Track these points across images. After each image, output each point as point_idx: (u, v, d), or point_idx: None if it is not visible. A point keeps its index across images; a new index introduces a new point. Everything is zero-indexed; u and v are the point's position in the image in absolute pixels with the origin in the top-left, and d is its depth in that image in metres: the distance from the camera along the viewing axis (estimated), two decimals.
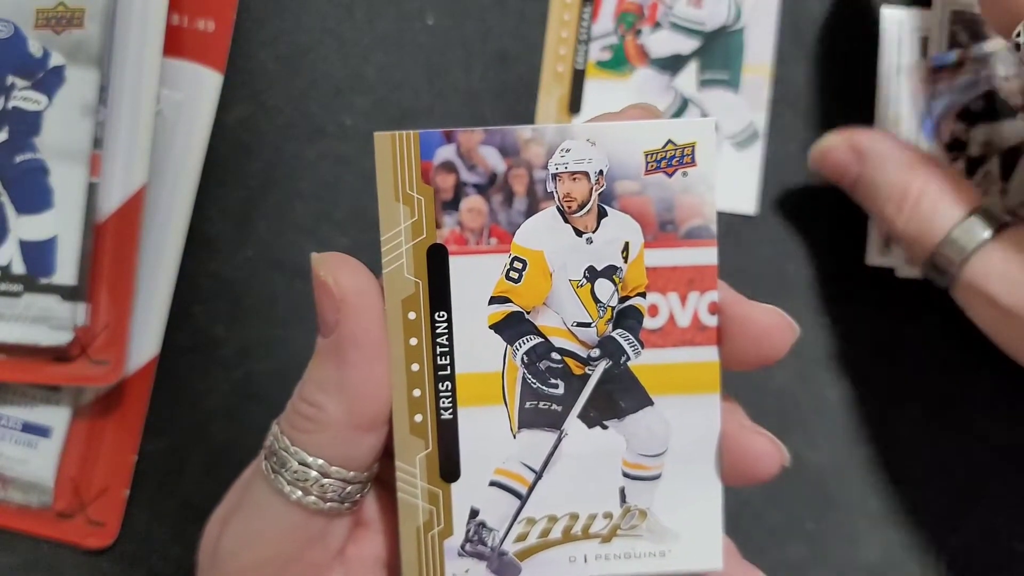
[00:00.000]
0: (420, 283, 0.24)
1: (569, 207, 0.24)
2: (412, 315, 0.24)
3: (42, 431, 0.36)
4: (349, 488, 0.24)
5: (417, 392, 0.24)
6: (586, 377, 0.25)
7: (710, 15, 0.38)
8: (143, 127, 0.35)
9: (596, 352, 0.25)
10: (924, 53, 0.36)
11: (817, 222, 0.37)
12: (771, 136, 0.38)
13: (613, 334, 0.24)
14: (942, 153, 0.36)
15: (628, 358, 0.25)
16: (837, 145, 0.34)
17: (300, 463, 0.23)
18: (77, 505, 0.36)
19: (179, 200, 0.36)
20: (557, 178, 0.24)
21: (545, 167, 0.24)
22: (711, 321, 0.24)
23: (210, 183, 0.37)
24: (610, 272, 0.24)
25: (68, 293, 0.34)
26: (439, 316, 0.24)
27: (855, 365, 0.37)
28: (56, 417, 0.36)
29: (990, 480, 0.37)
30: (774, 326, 0.24)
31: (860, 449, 0.37)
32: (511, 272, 0.24)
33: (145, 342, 0.36)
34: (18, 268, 0.34)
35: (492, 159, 0.24)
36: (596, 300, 0.24)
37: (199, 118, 0.36)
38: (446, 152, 0.24)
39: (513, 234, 0.24)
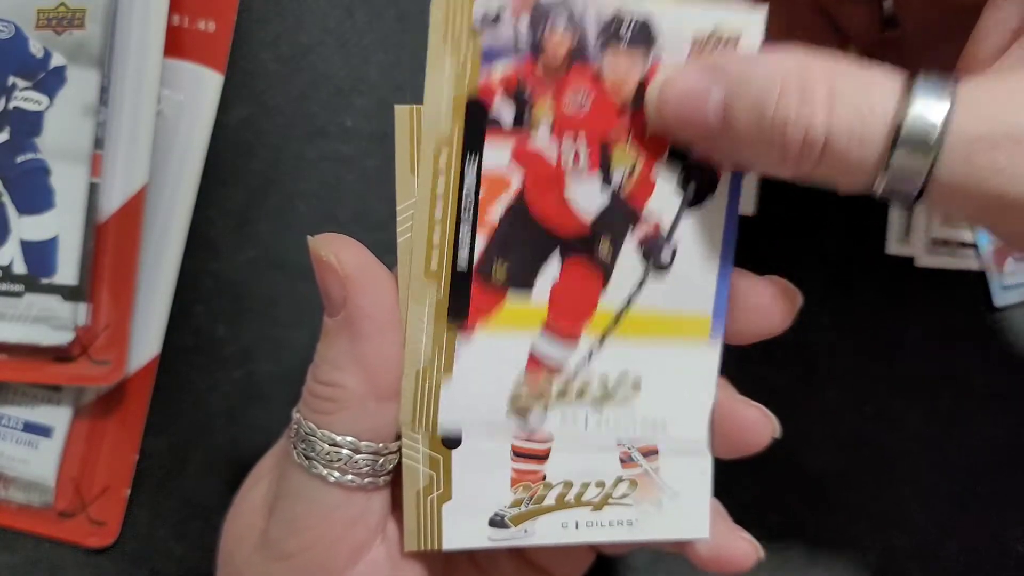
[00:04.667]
0: None
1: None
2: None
3: (43, 431, 0.36)
4: (382, 460, 0.24)
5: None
6: None
7: None
8: (144, 127, 0.35)
9: None
10: None
11: (816, 222, 0.37)
12: None
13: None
14: None
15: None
16: (680, 75, 0.23)
17: (330, 444, 0.24)
18: (78, 504, 0.36)
19: (180, 200, 0.36)
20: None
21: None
22: None
23: (211, 183, 0.37)
24: None
25: (69, 293, 0.34)
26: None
27: (854, 365, 0.37)
28: (57, 417, 0.36)
29: (990, 480, 0.37)
30: (778, 294, 0.25)
31: (860, 449, 0.37)
32: None
33: (146, 342, 0.36)
34: (19, 268, 0.34)
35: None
36: None
37: (200, 118, 0.36)
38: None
39: None
